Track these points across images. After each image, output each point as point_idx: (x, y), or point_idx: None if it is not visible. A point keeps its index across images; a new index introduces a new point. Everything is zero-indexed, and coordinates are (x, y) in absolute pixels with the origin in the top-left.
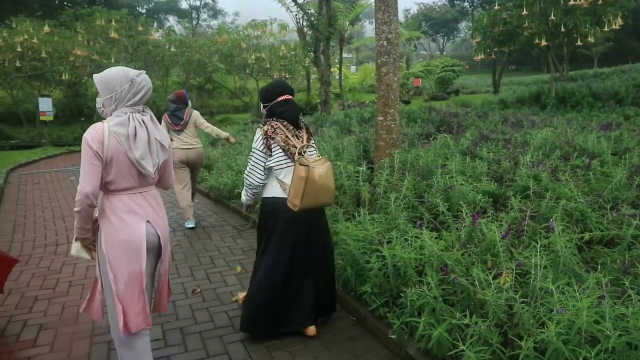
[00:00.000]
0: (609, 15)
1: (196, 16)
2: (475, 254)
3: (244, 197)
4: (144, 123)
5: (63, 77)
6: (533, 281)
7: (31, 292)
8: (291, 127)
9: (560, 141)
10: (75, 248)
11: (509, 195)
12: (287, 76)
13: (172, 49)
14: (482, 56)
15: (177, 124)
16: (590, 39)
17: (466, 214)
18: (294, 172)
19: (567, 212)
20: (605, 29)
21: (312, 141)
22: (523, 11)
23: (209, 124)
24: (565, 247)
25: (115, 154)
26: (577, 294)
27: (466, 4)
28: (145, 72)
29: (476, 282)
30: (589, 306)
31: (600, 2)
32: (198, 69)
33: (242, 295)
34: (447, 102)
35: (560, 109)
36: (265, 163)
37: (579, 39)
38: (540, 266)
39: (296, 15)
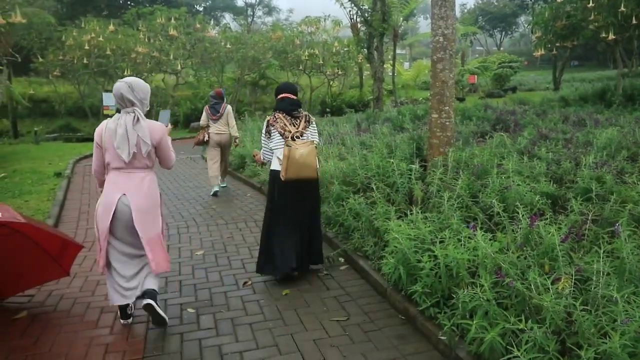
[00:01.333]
0: None
1: (251, 13)
2: (531, 257)
3: (259, 155)
4: (125, 123)
5: (125, 73)
6: (594, 288)
7: (94, 277)
8: (288, 117)
9: (627, 141)
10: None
11: (569, 197)
12: (339, 72)
13: (228, 46)
14: (543, 52)
15: (215, 114)
16: None
17: (523, 215)
18: (284, 151)
19: (634, 217)
20: None
21: (311, 128)
22: (589, 3)
23: (234, 122)
24: (632, 253)
25: (108, 143)
26: None
27: None
28: (120, 80)
29: (532, 287)
30: None
31: None
32: (252, 65)
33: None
34: (503, 99)
35: (628, 107)
36: (267, 145)
37: None
38: (603, 273)
39: (350, 11)
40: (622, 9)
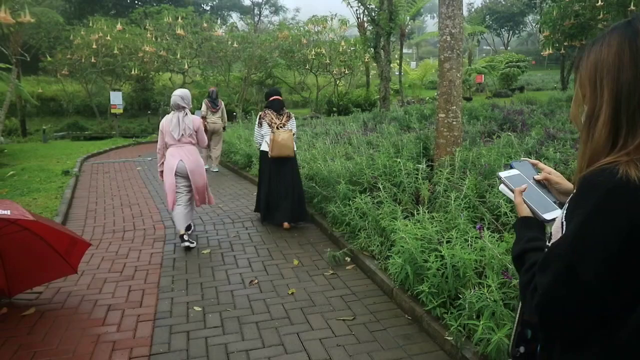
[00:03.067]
0: None
1: (258, 12)
2: None
3: (255, 146)
4: (178, 116)
5: (132, 72)
6: None
7: (101, 274)
8: (275, 113)
9: None
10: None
11: None
12: (346, 72)
13: (235, 45)
14: (550, 51)
15: (214, 108)
16: None
17: None
18: (270, 137)
19: None
20: None
21: (291, 121)
22: (598, 2)
23: (225, 115)
24: None
25: (166, 129)
26: None
27: None
28: (174, 94)
29: None
30: None
31: None
32: (259, 64)
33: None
34: (510, 99)
35: None
36: (260, 132)
37: None
38: None
39: (357, 10)
40: (632, 7)
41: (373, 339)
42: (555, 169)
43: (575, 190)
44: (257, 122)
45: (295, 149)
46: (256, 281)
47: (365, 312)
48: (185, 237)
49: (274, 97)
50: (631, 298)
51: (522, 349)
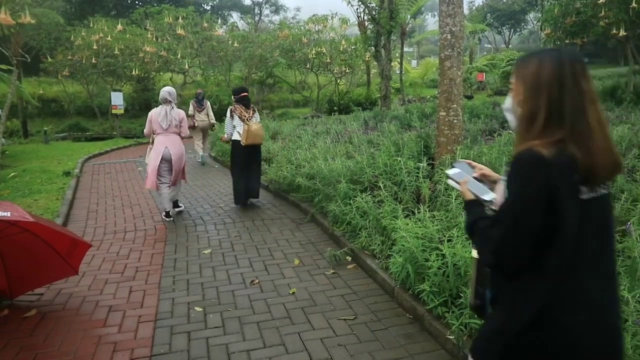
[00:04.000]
0: None
1: (258, 12)
2: None
3: (225, 136)
4: (165, 109)
5: (133, 73)
6: None
7: (102, 275)
8: (244, 108)
9: (638, 139)
10: (148, 156)
11: None
12: (347, 71)
13: (235, 45)
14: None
15: (200, 107)
16: None
17: None
18: (243, 127)
19: None
20: None
21: (256, 114)
22: None
23: (212, 113)
24: None
25: (155, 119)
26: None
27: None
28: (163, 90)
29: None
30: None
31: None
32: (260, 64)
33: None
34: None
35: (639, 105)
36: (231, 124)
37: None
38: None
39: (357, 9)
40: (634, 5)
41: (374, 338)
42: None
43: (511, 165)
44: (228, 115)
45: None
46: (257, 281)
47: (366, 311)
48: (170, 213)
49: (244, 94)
50: (552, 234)
51: (478, 302)
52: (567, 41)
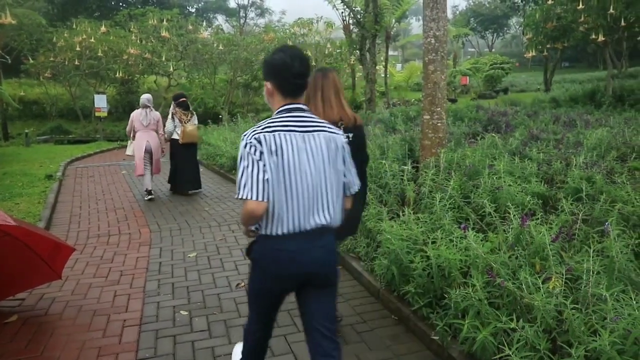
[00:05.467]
0: None
1: (244, 15)
2: (522, 257)
3: (166, 136)
4: (145, 111)
5: (117, 75)
6: (585, 287)
7: (86, 280)
8: (184, 111)
9: (616, 142)
10: (129, 149)
11: (560, 197)
12: None
13: (220, 47)
14: (534, 53)
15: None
16: None
17: (514, 215)
18: (181, 128)
19: (624, 217)
20: None
21: (193, 117)
22: (579, 5)
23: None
24: (621, 252)
25: (137, 119)
26: (634, 302)
27: None
28: (143, 96)
29: (523, 286)
30: None
31: None
32: (245, 67)
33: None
34: (495, 100)
35: (617, 108)
36: (172, 124)
37: None
38: (593, 272)
39: (342, 12)
40: (612, 11)
41: (360, 340)
42: (538, 169)
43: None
44: (169, 117)
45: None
46: (243, 284)
47: (352, 313)
48: (151, 195)
49: (183, 100)
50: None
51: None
52: (548, 45)
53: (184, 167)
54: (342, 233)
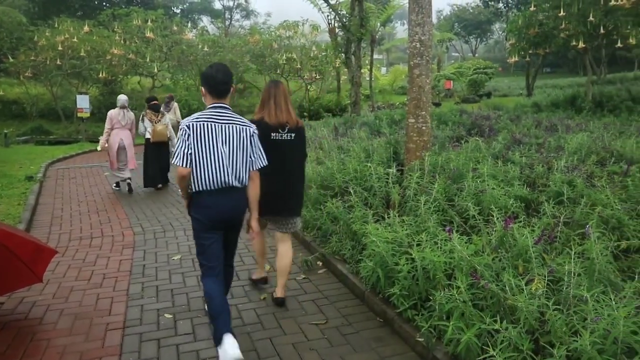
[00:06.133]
0: None
1: (229, 16)
2: (506, 259)
3: (139, 134)
4: (123, 111)
5: (100, 75)
6: (566, 288)
7: (67, 283)
8: (154, 112)
9: (596, 146)
10: (100, 144)
11: (542, 200)
12: (317, 77)
13: (205, 49)
14: (516, 58)
15: (166, 109)
16: (632, 41)
17: (497, 218)
18: (152, 128)
19: (603, 219)
20: None
21: (164, 118)
22: (560, 12)
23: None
24: (601, 254)
25: (114, 118)
26: (613, 303)
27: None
28: (121, 96)
29: (507, 288)
30: (626, 316)
31: None
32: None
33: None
34: (478, 104)
35: (597, 113)
36: (143, 125)
37: (619, 41)
38: (574, 273)
39: (328, 16)
40: (591, 18)
41: (345, 342)
42: (521, 173)
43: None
44: (141, 118)
45: (168, 135)
46: None
47: (337, 315)
48: (128, 181)
49: (154, 102)
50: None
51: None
52: (530, 51)
53: (154, 163)
54: (295, 208)
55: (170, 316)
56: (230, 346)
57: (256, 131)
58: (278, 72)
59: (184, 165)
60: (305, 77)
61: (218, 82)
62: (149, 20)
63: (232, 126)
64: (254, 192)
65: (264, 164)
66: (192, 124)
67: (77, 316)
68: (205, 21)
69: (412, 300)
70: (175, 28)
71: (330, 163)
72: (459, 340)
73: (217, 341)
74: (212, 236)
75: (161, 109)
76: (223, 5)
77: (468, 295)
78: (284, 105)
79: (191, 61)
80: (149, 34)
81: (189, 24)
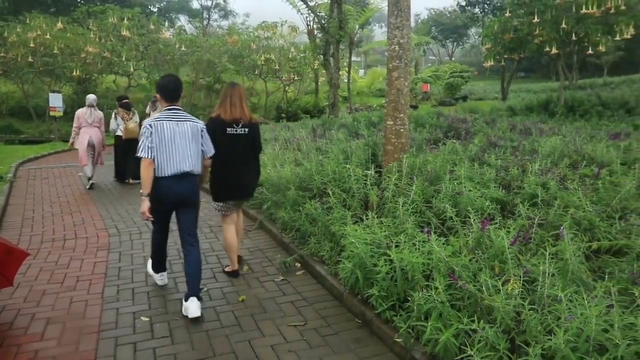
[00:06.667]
0: (620, 24)
1: (207, 16)
2: (482, 260)
3: (111, 131)
4: (90, 110)
5: (74, 74)
6: (541, 288)
7: (39, 286)
8: (126, 111)
9: (569, 150)
10: (70, 142)
11: (517, 202)
12: (295, 78)
13: (183, 48)
14: (492, 63)
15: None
16: (602, 48)
17: (474, 220)
18: (123, 126)
19: (576, 221)
20: (617, 38)
21: (135, 116)
22: (534, 19)
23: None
24: (574, 255)
25: (82, 117)
26: (586, 302)
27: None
28: (90, 96)
29: (484, 288)
30: (598, 315)
31: (612, 11)
32: (207, 69)
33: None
34: (454, 107)
35: (569, 118)
36: (115, 122)
37: (589, 48)
38: (549, 274)
39: (307, 17)
40: (564, 25)
41: (324, 343)
42: (496, 175)
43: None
44: (113, 116)
45: (139, 132)
46: (205, 289)
47: (316, 317)
48: (91, 180)
49: (125, 101)
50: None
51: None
52: (505, 56)
53: (126, 159)
54: (251, 191)
55: (147, 319)
56: (162, 278)
57: (204, 127)
58: (256, 72)
59: (148, 157)
60: (284, 78)
61: (170, 90)
62: (125, 19)
63: (186, 123)
64: (203, 174)
65: (213, 153)
66: (154, 124)
67: (49, 320)
68: (182, 20)
69: (391, 301)
70: (152, 27)
71: (308, 164)
72: (437, 341)
73: (155, 269)
74: (166, 211)
75: (147, 109)
76: (201, 5)
77: (446, 295)
78: (238, 104)
79: (168, 61)
80: (125, 33)
81: (166, 23)
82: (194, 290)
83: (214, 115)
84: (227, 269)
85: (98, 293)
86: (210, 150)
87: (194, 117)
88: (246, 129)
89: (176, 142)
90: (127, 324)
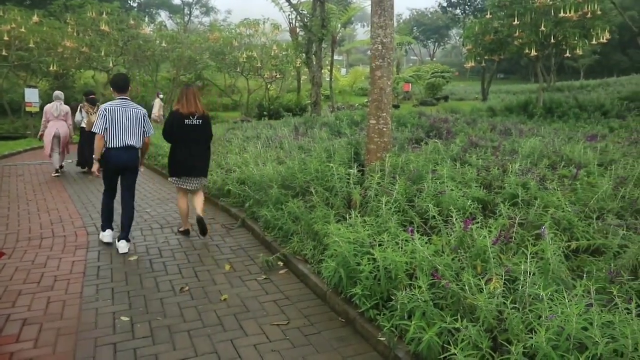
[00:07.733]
0: (597, 28)
1: (188, 12)
2: (465, 259)
3: (76, 123)
4: (56, 104)
5: (50, 69)
6: (522, 287)
7: (15, 286)
8: (91, 105)
9: (548, 150)
10: (39, 134)
11: (498, 202)
12: (277, 76)
13: (163, 44)
14: (473, 63)
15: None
16: (578, 51)
17: (456, 219)
18: (88, 119)
19: (555, 221)
20: (593, 41)
21: (98, 111)
22: (514, 21)
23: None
24: (555, 254)
25: (48, 111)
26: (566, 301)
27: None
28: (57, 92)
29: (466, 287)
30: (578, 313)
31: (589, 15)
32: (188, 66)
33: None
34: (436, 107)
35: (547, 119)
36: (80, 116)
37: (567, 51)
38: (530, 273)
39: (289, 15)
40: (543, 28)
41: (308, 342)
42: (478, 175)
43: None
44: (78, 110)
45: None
46: (187, 288)
47: (299, 316)
48: (59, 170)
49: (91, 97)
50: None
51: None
52: (486, 57)
53: (87, 148)
54: (202, 171)
55: (127, 319)
56: (109, 235)
57: (146, 113)
58: (238, 70)
59: (101, 133)
60: (266, 76)
61: (120, 86)
62: (104, 13)
63: (132, 110)
64: (144, 149)
65: (152, 133)
66: (108, 107)
67: (25, 321)
68: (163, 16)
69: (374, 300)
70: (132, 22)
71: (291, 163)
72: (421, 339)
73: (102, 227)
74: (114, 176)
75: (155, 109)
76: (182, 1)
77: (429, 294)
78: (193, 101)
79: (148, 56)
80: (104, 27)
81: (147, 19)
82: (125, 234)
83: (174, 109)
84: (180, 229)
85: (76, 293)
86: (150, 131)
87: (138, 106)
88: (200, 120)
89: (123, 123)
90: (106, 324)
